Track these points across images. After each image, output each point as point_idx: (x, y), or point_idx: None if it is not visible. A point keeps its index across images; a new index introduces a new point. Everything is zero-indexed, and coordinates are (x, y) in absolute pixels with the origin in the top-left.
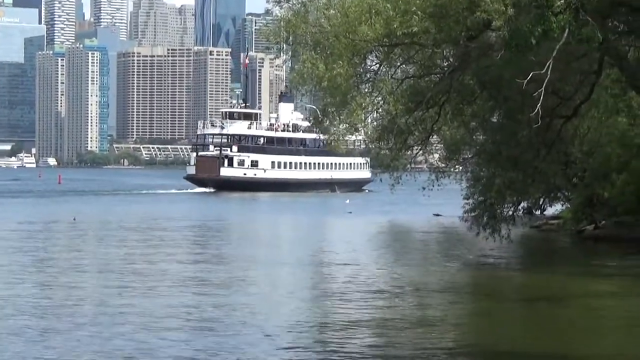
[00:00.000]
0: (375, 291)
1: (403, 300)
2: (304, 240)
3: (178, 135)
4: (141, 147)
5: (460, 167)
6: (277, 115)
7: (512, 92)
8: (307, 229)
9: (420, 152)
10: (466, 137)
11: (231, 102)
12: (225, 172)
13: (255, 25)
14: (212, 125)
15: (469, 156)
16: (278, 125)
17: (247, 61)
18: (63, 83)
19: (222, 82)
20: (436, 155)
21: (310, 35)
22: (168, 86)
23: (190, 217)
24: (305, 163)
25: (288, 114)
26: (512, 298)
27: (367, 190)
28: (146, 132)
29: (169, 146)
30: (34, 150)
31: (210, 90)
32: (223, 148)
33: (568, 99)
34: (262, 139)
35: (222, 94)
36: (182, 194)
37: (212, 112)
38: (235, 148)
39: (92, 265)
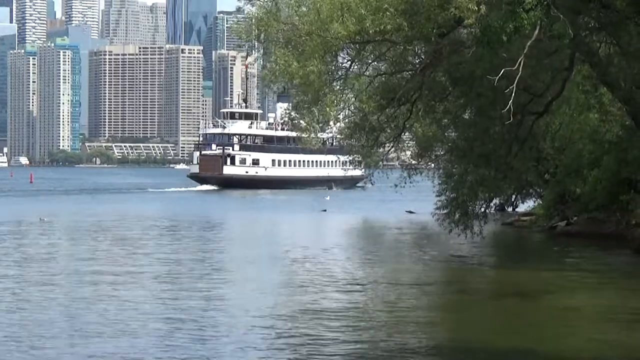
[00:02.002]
0: (345, 289)
1: (373, 297)
2: (267, 238)
3: (150, 133)
4: (113, 145)
5: (433, 164)
6: (275, 114)
7: (483, 89)
8: (275, 227)
9: (393, 149)
10: (438, 134)
11: (235, 103)
12: (228, 170)
13: (226, 23)
14: (214, 125)
15: (441, 153)
16: (277, 124)
17: (246, 62)
18: (35, 82)
19: (194, 80)
20: (408, 153)
21: (282, 33)
22: (140, 84)
23: (175, 215)
24: (303, 161)
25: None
26: (484, 294)
27: (360, 187)
28: (118, 130)
29: (141, 144)
30: (5, 150)
31: (182, 88)
32: (225, 147)
33: (539, 95)
34: (262, 138)
35: (194, 92)
36: (185, 191)
37: (184, 110)
38: (237, 147)
39: (45, 269)
